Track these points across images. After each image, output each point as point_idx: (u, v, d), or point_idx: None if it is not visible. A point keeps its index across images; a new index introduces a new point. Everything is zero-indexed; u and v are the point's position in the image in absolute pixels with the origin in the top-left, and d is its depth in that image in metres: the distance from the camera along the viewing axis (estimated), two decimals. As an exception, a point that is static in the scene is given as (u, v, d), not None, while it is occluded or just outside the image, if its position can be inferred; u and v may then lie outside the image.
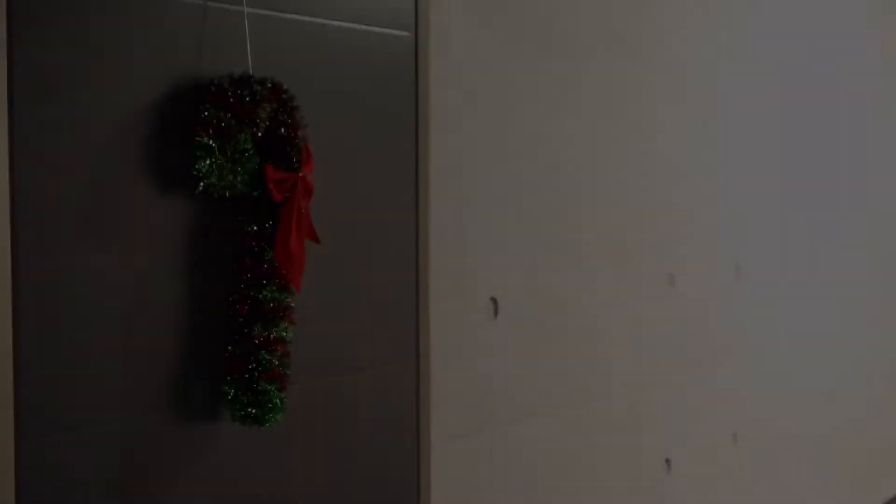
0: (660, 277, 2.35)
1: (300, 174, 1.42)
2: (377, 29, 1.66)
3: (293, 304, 1.45)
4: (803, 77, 2.97)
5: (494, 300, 1.90)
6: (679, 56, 2.40)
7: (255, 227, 1.41)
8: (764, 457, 2.81)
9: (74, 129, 1.25)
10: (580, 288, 2.10)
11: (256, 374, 1.40)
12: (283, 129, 1.41)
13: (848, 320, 3.32)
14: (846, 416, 3.32)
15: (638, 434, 2.29)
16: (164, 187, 1.35)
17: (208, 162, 1.33)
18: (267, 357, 1.41)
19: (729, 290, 2.62)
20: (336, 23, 1.59)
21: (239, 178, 1.36)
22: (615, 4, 2.18)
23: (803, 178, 2.98)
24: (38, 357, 1.22)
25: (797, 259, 2.97)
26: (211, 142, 1.33)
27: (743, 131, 2.67)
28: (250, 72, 1.41)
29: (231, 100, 1.36)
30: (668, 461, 2.38)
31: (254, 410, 1.40)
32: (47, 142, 1.22)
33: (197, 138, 1.32)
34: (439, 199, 1.77)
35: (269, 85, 1.41)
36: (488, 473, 1.90)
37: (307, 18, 1.54)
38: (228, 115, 1.35)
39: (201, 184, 1.33)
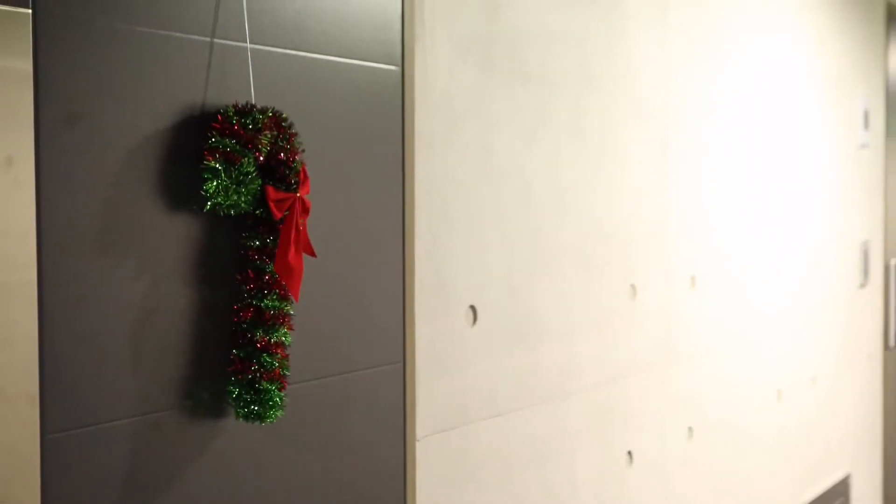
0: (623, 288, 2.34)
1: (298, 194, 1.40)
2: (367, 63, 1.65)
3: (292, 312, 1.42)
4: (749, 110, 2.98)
5: (474, 308, 1.88)
6: (641, 90, 2.40)
7: (257, 242, 1.39)
8: (717, 449, 2.81)
9: (94, 154, 1.23)
10: (552, 297, 2.09)
11: (258, 375, 1.38)
12: (282, 154, 1.39)
13: (794, 326, 3.33)
14: (793, 413, 3.32)
15: (603, 429, 2.28)
16: (175, 206, 1.33)
17: (215, 183, 1.31)
18: (268, 359, 1.38)
19: (685, 298, 2.62)
20: (330, 58, 1.58)
21: (243, 198, 1.33)
22: (587, 44, 2.18)
23: (750, 199, 2.99)
24: (62, 360, 1.19)
25: (746, 271, 2.97)
26: (217, 165, 1.31)
27: (696, 158, 2.68)
28: (253, 102, 1.39)
29: (236, 127, 1.34)
30: (629, 453, 2.38)
31: (256, 408, 1.37)
32: (70, 165, 1.20)
33: (205, 162, 1.31)
34: (424, 217, 1.75)
35: (270, 114, 1.39)
36: (468, 464, 1.88)
37: (304, 54, 1.53)
38: (233, 141, 1.33)
39: (209, 203, 1.31)
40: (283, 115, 1.42)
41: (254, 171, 1.35)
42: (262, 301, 1.39)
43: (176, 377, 1.35)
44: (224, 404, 1.41)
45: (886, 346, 4.22)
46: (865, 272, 3.96)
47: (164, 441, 1.34)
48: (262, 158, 1.37)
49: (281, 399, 1.40)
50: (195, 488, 1.39)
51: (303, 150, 1.44)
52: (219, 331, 1.40)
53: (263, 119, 1.38)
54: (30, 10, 1.15)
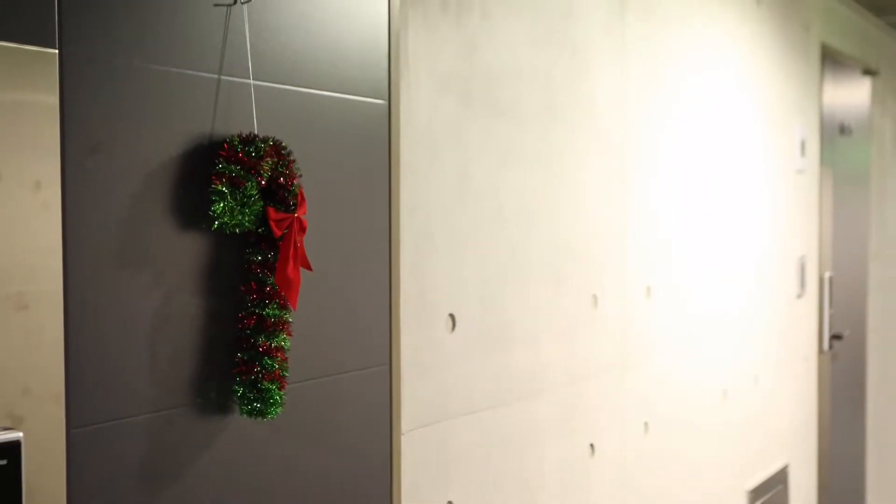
0: (586, 298, 2.36)
1: (296, 215, 1.40)
2: (358, 98, 1.65)
3: (291, 320, 1.42)
4: (699, 139, 3.01)
5: (453, 317, 1.88)
6: (602, 122, 2.42)
7: (259, 257, 1.39)
8: (670, 442, 2.82)
9: (114, 178, 1.23)
10: (523, 307, 2.09)
11: (261, 375, 1.37)
12: (282, 179, 1.39)
13: (738, 332, 3.35)
14: (737, 410, 3.33)
15: (568, 425, 2.29)
16: (186, 225, 1.33)
17: (222, 205, 1.31)
18: (269, 362, 1.38)
19: (641, 307, 2.64)
20: (325, 92, 1.58)
21: (246, 218, 1.34)
22: (553, 81, 2.20)
23: (700, 218, 3.01)
24: (85, 362, 1.19)
25: (696, 282, 2.99)
26: (224, 188, 1.31)
27: (651, 182, 2.70)
28: (256, 132, 1.39)
29: (240, 155, 1.34)
30: (592, 446, 2.39)
31: (258, 405, 1.38)
32: (92, 188, 1.20)
33: (213, 186, 1.31)
34: (408, 235, 1.76)
35: (271, 143, 1.39)
36: (447, 455, 1.87)
37: (301, 89, 1.53)
38: (238, 167, 1.33)
39: (216, 222, 1.31)
40: (283, 144, 1.42)
41: (256, 194, 1.35)
42: (264, 310, 1.39)
43: (187, 377, 1.35)
44: (230, 402, 1.41)
45: (820, 350, 4.25)
46: (802, 284, 3.99)
47: (177, 435, 1.34)
48: (263, 182, 1.37)
49: (281, 397, 1.40)
50: (204, 477, 1.39)
51: (300, 175, 1.44)
52: (225, 336, 1.40)
53: (265, 147, 1.38)
54: (56, 51, 1.16)
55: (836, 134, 4.47)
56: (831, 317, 4.31)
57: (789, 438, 3.86)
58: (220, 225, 1.32)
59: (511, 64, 2.05)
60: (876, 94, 5.05)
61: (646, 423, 2.66)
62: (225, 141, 1.35)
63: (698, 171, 2.99)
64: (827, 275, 4.29)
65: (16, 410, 1.12)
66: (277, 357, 1.40)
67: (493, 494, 2.02)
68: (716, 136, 3.13)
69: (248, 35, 1.42)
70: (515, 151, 2.06)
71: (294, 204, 1.41)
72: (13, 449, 1.09)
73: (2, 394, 1.11)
